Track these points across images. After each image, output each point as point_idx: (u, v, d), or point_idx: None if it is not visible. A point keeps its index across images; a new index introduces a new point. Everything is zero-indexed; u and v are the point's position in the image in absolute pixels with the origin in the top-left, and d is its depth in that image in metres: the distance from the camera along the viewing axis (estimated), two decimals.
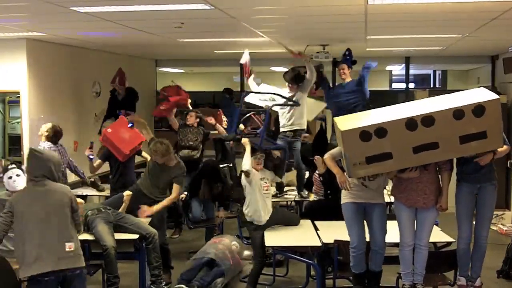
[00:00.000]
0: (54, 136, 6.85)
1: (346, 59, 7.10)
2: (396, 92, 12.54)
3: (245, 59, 7.29)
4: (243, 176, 5.94)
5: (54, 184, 4.27)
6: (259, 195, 5.86)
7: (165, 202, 6.17)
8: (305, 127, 7.23)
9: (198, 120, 8.14)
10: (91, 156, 6.93)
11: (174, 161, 6.25)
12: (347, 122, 4.88)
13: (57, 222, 4.15)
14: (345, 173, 4.97)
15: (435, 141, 4.62)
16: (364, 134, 4.60)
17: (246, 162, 5.87)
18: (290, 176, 7.99)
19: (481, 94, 4.77)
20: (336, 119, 5.03)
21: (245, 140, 6.12)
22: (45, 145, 6.72)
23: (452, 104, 4.66)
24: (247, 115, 8.42)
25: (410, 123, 4.59)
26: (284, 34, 7.20)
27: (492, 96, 4.68)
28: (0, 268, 4.38)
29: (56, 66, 7.90)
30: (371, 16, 5.58)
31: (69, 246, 4.13)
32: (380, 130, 4.60)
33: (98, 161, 7.02)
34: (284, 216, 6.25)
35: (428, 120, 4.58)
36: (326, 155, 5.14)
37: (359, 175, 4.93)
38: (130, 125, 6.92)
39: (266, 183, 5.98)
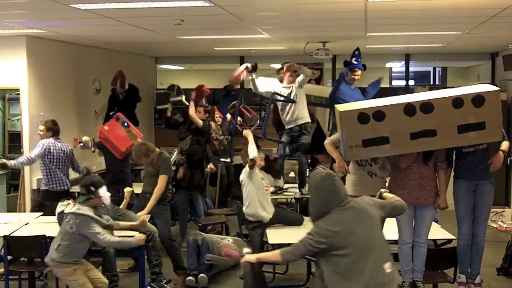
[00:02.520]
0: (52, 129, 6.79)
1: (359, 62, 7.13)
2: (396, 89, 12.53)
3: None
4: (243, 172, 5.90)
5: (355, 201, 3.65)
6: (260, 193, 5.82)
7: (154, 195, 6.12)
8: (309, 119, 7.20)
9: (207, 114, 8.17)
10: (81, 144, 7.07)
11: (156, 155, 6.27)
12: (347, 106, 4.94)
13: (377, 243, 3.51)
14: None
15: (433, 129, 4.62)
16: (362, 116, 4.63)
17: (253, 150, 5.77)
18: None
19: (482, 87, 4.79)
20: (337, 105, 5.04)
21: (246, 131, 6.10)
22: (48, 141, 6.70)
23: (452, 93, 4.68)
24: (232, 103, 8.52)
25: (409, 109, 4.60)
26: (284, 31, 7.20)
27: (493, 88, 4.69)
28: None
29: (56, 63, 7.90)
30: (371, 13, 5.58)
31: (389, 267, 3.48)
32: (378, 113, 4.62)
33: (97, 150, 7.16)
34: (287, 216, 6.15)
35: (427, 106, 4.59)
36: (326, 141, 5.17)
37: (355, 158, 4.96)
38: (125, 124, 6.88)
39: (266, 183, 5.95)
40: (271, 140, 6.82)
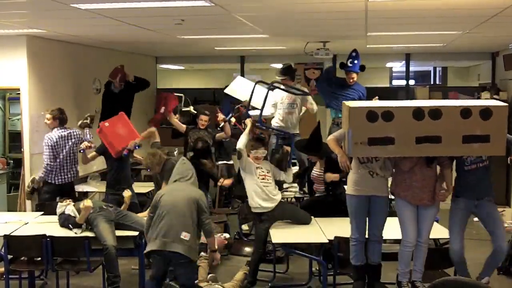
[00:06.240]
0: (60, 120, 6.81)
1: (355, 65, 7.18)
2: (396, 89, 12.54)
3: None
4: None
5: None
6: (255, 183, 5.88)
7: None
8: (297, 131, 7.26)
9: (209, 123, 8.16)
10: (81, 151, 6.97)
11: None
12: (356, 103, 5.03)
13: None
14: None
15: (439, 135, 4.68)
16: (371, 114, 4.68)
17: (241, 140, 5.91)
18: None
19: (491, 102, 4.90)
20: (346, 102, 5.08)
21: (247, 120, 6.25)
22: (52, 135, 6.70)
23: (462, 103, 4.76)
24: (237, 106, 8.50)
25: (418, 113, 4.67)
26: (284, 31, 7.19)
27: (501, 103, 4.80)
28: None
29: (57, 63, 7.90)
30: (371, 13, 5.58)
31: None
32: (387, 114, 4.68)
33: (93, 153, 7.00)
34: (297, 214, 6.15)
35: (435, 112, 4.66)
36: (330, 137, 5.17)
37: (359, 155, 5.00)
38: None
39: (263, 172, 5.99)
40: (262, 128, 6.79)
